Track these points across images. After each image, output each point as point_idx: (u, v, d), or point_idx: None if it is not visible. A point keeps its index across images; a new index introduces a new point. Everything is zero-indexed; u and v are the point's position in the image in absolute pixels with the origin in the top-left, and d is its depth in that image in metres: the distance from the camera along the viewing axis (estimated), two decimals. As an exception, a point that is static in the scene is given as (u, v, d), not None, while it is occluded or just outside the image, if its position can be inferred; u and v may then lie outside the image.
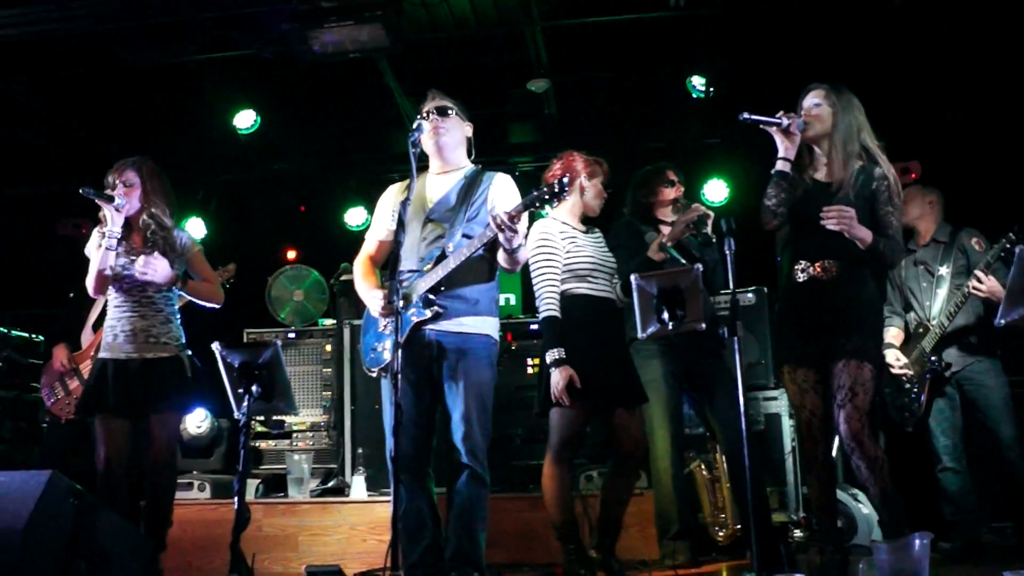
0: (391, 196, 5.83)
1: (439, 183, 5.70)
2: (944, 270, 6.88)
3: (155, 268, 6.11)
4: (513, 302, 9.75)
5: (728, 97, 9.27)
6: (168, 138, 10.15)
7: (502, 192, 5.58)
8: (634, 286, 5.24)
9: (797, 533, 7.34)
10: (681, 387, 6.62)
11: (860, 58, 8.59)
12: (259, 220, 11.63)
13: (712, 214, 6.25)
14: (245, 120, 9.99)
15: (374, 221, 5.90)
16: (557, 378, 5.80)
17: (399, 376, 4.88)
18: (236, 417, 5.43)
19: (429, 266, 5.39)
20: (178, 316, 6.45)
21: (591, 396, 5.88)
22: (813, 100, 5.52)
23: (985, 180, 8.73)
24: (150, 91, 9.51)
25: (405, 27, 8.13)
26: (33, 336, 9.65)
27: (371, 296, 5.55)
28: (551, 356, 5.86)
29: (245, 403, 5.37)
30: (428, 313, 5.31)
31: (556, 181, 5.04)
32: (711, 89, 9.25)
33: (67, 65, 8.87)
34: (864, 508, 7.14)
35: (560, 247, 6.09)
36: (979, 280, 6.57)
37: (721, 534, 7.21)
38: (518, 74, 9.35)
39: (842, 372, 5.28)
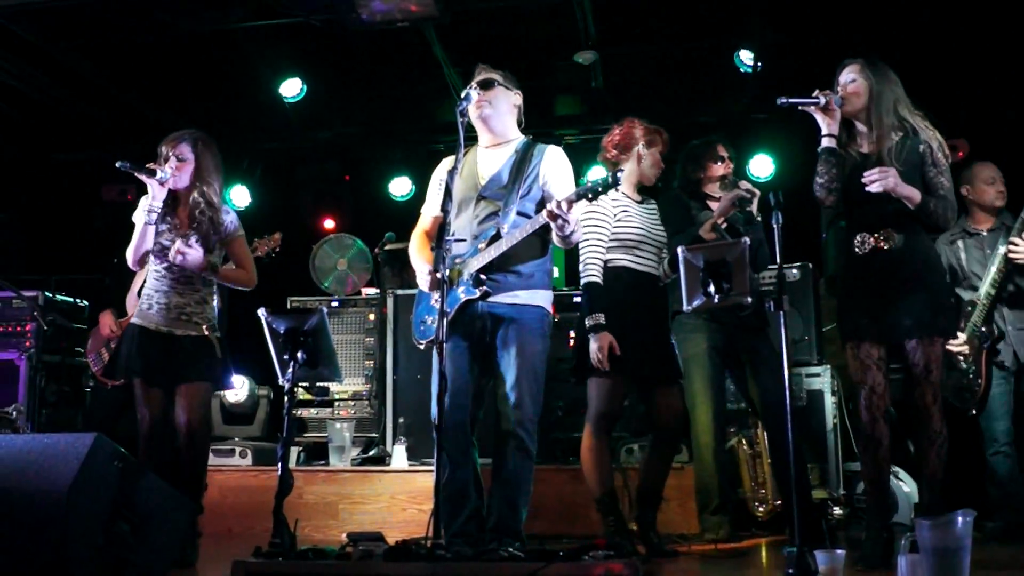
0: (442, 171, 5.81)
1: (490, 158, 5.71)
2: (1002, 249, 6.79)
3: (187, 256, 6.02)
4: (556, 274, 9.73)
5: (776, 72, 9.21)
6: (214, 105, 10.18)
7: (554, 167, 5.60)
8: (680, 259, 5.24)
9: (837, 510, 7.32)
10: (724, 362, 6.59)
11: (912, 33, 8.50)
12: (303, 189, 11.64)
13: (758, 192, 6.23)
14: (291, 88, 9.99)
15: (428, 197, 5.92)
16: (595, 345, 5.81)
17: (445, 345, 4.94)
18: (281, 383, 5.44)
19: (483, 245, 5.41)
20: (216, 298, 6.45)
21: (629, 368, 5.88)
22: (849, 76, 5.56)
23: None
24: (197, 57, 9.51)
25: (453, -4, 8.13)
26: (78, 301, 9.68)
27: (421, 270, 5.60)
28: (591, 321, 5.86)
29: (290, 369, 5.37)
30: (477, 292, 5.34)
31: (610, 174, 5.08)
32: (759, 64, 9.19)
33: (114, 30, 8.88)
34: (905, 487, 7.11)
35: (610, 215, 6.08)
36: (1015, 244, 6.54)
37: (761, 509, 7.22)
38: (565, 45, 9.29)
39: (916, 350, 5.35)
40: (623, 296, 5.96)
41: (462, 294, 5.38)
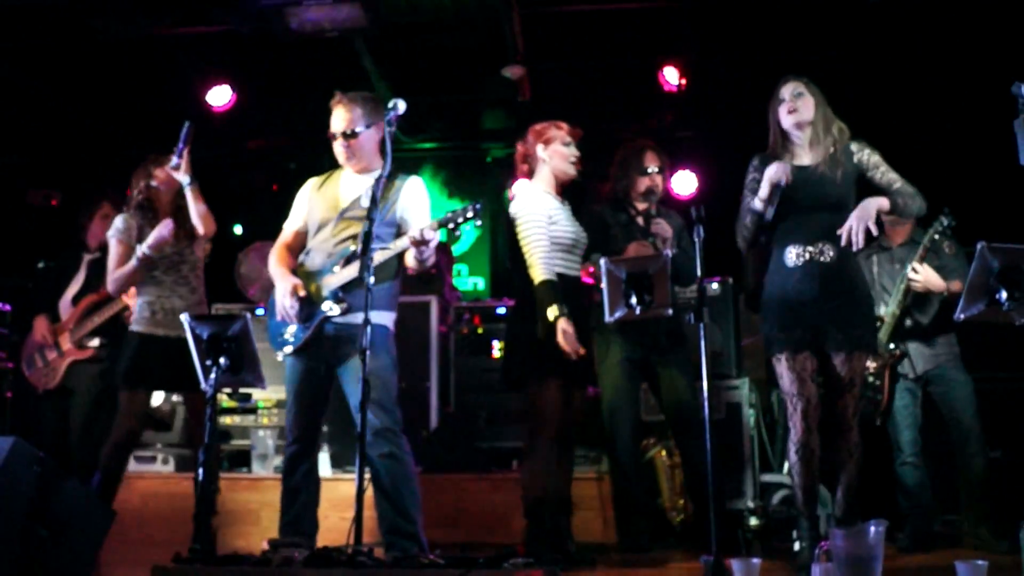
0: (308, 189, 6.11)
1: (354, 183, 5.90)
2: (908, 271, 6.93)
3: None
4: (481, 286, 9.79)
5: (701, 90, 9.32)
6: (141, 112, 10.11)
7: (412, 198, 5.82)
8: (603, 270, 5.30)
9: (753, 521, 7.39)
10: (639, 374, 6.64)
11: (834, 53, 8.64)
12: (230, 198, 11.58)
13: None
14: (219, 97, 9.96)
15: (292, 212, 6.11)
16: (568, 328, 5.70)
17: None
18: (203, 389, 5.45)
19: (340, 264, 5.64)
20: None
21: (568, 372, 5.89)
22: (796, 89, 5.69)
23: (958, 183, 8.82)
24: (126, 63, 9.45)
25: (383, 8, 8.15)
26: (-1, 304, 9.60)
27: (285, 282, 5.75)
28: (557, 312, 5.71)
29: (212, 375, 5.39)
30: (337, 309, 5.57)
31: (471, 207, 5.21)
32: (683, 81, 9.29)
33: (41, 34, 8.81)
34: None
35: (544, 217, 6.00)
36: (915, 271, 6.63)
37: (678, 519, 7.28)
38: (493, 60, 9.34)
39: (845, 365, 5.53)
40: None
41: (325, 309, 5.61)
